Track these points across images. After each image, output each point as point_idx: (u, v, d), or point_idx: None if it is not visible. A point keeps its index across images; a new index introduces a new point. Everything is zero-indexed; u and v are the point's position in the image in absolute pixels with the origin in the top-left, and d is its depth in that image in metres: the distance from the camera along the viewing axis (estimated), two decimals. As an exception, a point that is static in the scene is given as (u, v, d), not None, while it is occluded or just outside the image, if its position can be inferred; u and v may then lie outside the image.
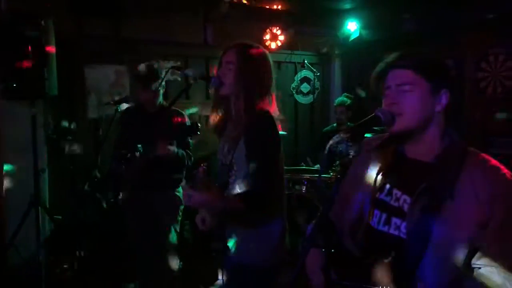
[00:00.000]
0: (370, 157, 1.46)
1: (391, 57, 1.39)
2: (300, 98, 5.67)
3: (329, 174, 3.96)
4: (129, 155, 2.83)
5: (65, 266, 3.89)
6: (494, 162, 1.29)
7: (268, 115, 1.93)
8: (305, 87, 5.66)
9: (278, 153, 1.95)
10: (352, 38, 5.38)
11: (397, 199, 1.37)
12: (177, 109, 3.13)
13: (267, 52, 2.05)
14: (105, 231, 3.80)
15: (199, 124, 2.86)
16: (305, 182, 4.13)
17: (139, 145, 2.80)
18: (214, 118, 2.09)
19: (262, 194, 1.85)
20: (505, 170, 1.27)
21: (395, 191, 1.38)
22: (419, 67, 1.32)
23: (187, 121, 3.12)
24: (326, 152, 4.78)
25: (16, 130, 3.97)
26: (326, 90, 5.83)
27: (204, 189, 1.73)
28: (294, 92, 5.62)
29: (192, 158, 3.16)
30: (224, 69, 1.97)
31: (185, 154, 3.05)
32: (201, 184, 1.73)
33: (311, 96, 5.61)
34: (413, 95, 1.31)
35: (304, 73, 5.62)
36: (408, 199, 1.33)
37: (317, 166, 4.74)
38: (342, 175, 1.38)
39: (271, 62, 2.04)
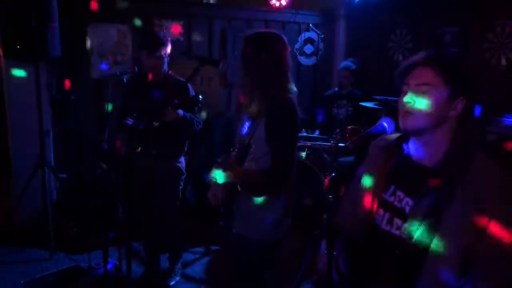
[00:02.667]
0: (378, 157, 1.49)
1: (417, 55, 1.38)
2: (303, 59, 5.63)
3: (329, 142, 4.01)
4: (133, 124, 2.89)
5: (72, 223, 4.04)
6: (498, 169, 1.29)
7: (288, 100, 2.03)
8: (308, 48, 5.61)
9: (296, 135, 2.10)
10: (358, -1, 5.28)
11: (400, 201, 1.41)
12: (181, 78, 3.14)
13: (279, 37, 2.09)
14: (110, 192, 3.91)
15: (200, 96, 2.90)
16: (306, 149, 4.19)
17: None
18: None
19: (281, 173, 1.99)
20: (508, 178, 1.27)
21: (398, 192, 1.42)
22: (442, 68, 1.31)
23: (191, 90, 3.12)
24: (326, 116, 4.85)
25: (20, 91, 4.00)
26: (329, 51, 5.76)
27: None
28: (297, 53, 5.57)
29: (202, 123, 3.20)
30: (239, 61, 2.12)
31: (193, 118, 3.09)
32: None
33: (314, 57, 5.57)
34: (429, 97, 1.31)
35: (308, 33, 5.54)
36: (410, 202, 1.37)
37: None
38: (348, 177, 1.43)
39: (282, 47, 2.07)
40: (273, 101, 1.99)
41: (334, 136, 3.99)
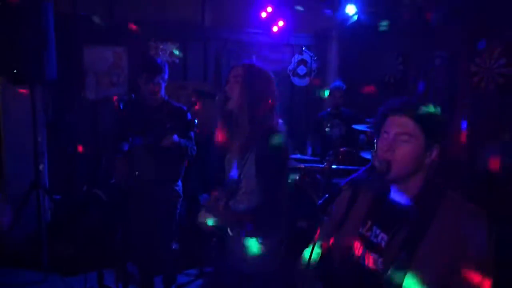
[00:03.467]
0: (363, 195, 1.56)
1: (396, 101, 1.46)
2: (296, 80, 5.71)
3: (322, 163, 4.07)
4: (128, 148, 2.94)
5: (66, 245, 4.02)
6: (468, 207, 1.37)
7: (278, 133, 2.03)
8: (301, 69, 5.69)
9: (286, 171, 2.09)
10: (350, 21, 5.38)
11: (376, 236, 1.47)
12: (179, 104, 3.19)
13: (270, 72, 2.14)
14: (105, 214, 3.91)
15: (196, 121, 2.95)
16: (300, 171, 4.23)
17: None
18: (220, 131, 2.18)
19: (268, 211, 1.99)
20: (477, 216, 1.34)
21: (375, 228, 1.49)
22: (421, 121, 1.39)
23: (188, 115, 3.17)
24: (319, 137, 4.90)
25: (16, 113, 4.02)
26: (322, 72, 5.85)
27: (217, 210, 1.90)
28: (290, 75, 5.65)
29: (195, 149, 3.23)
30: (232, 84, 2.09)
31: (188, 145, 3.14)
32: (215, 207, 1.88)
33: (307, 78, 5.65)
34: (408, 146, 1.39)
35: (301, 55, 5.63)
36: (386, 237, 1.44)
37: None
38: (331, 201, 1.48)
39: (274, 82, 2.12)
40: (262, 136, 1.99)
41: (327, 158, 4.05)
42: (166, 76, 3.13)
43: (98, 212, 3.85)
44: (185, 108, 3.13)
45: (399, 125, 1.40)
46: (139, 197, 3.08)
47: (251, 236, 2.05)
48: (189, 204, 4.32)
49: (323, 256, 1.58)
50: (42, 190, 3.85)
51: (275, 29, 5.26)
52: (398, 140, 1.40)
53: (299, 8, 5.21)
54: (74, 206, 4.17)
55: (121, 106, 2.87)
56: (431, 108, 1.43)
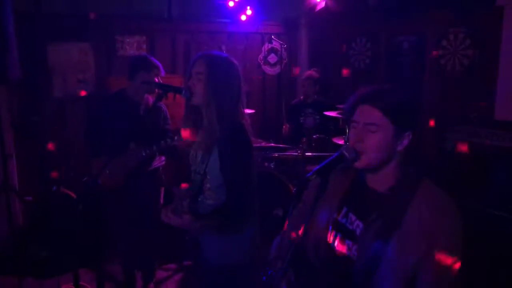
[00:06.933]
0: (336, 182, 1.55)
1: (364, 91, 1.45)
2: (267, 69, 5.70)
3: (296, 151, 4.08)
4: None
5: (40, 247, 3.95)
6: (442, 196, 1.37)
7: (241, 127, 1.98)
8: (272, 58, 5.69)
9: (250, 165, 2.03)
10: (318, 8, 5.39)
11: (352, 223, 1.47)
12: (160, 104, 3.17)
13: (235, 61, 2.06)
14: (81, 212, 3.84)
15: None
16: (274, 160, 4.24)
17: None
18: (185, 125, 2.13)
19: (234, 208, 1.94)
20: (450, 206, 1.35)
21: (350, 215, 1.49)
22: (389, 110, 1.38)
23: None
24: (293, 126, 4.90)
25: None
26: (293, 60, 5.85)
27: (180, 213, 1.83)
28: (261, 63, 5.64)
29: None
30: (194, 80, 1.99)
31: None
32: (179, 208, 1.83)
33: (278, 66, 5.64)
34: (377, 136, 1.38)
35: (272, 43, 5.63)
36: (361, 225, 1.44)
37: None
38: (299, 195, 1.47)
39: (239, 71, 2.06)
40: (226, 130, 1.94)
41: (300, 145, 4.07)
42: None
43: (70, 212, 3.78)
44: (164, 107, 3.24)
45: (367, 115, 1.40)
46: (123, 190, 3.08)
47: (220, 233, 2.03)
48: (164, 197, 4.30)
49: (294, 245, 1.58)
50: (12, 192, 3.76)
51: (243, 17, 5.23)
52: (367, 130, 1.39)
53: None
54: (46, 207, 4.09)
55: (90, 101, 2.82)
56: (399, 97, 1.42)
